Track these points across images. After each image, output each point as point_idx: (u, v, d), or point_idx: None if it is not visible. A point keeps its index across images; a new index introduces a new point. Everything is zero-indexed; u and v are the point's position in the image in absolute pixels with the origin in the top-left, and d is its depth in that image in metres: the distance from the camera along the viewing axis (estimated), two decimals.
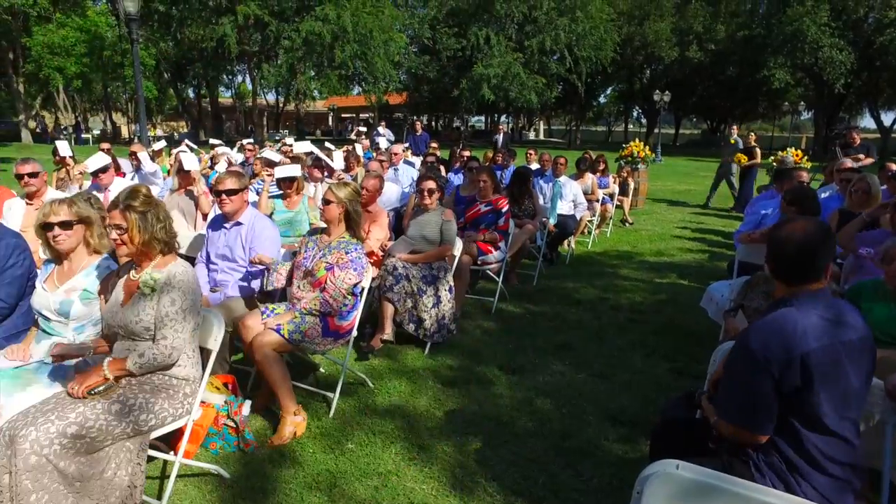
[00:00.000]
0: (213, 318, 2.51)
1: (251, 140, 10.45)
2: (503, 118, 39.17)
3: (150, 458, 2.27)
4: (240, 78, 42.19)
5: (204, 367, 2.45)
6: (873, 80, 30.73)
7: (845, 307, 1.73)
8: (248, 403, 2.91)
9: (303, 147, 7.08)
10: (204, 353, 2.48)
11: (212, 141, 9.84)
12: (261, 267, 3.33)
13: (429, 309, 4.04)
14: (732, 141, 11.12)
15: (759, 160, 10.66)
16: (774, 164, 9.70)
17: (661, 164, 21.51)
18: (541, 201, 6.54)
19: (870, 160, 7.90)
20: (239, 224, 3.51)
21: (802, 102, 38.03)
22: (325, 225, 3.33)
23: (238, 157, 7.89)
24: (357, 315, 3.33)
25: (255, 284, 3.48)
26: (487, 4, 31.12)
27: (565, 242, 7.11)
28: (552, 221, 6.45)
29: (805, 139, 33.89)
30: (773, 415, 1.64)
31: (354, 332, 3.34)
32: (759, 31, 29.81)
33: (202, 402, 2.68)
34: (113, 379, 2.13)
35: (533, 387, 3.60)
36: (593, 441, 2.98)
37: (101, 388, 2.07)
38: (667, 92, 26.25)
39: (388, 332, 3.89)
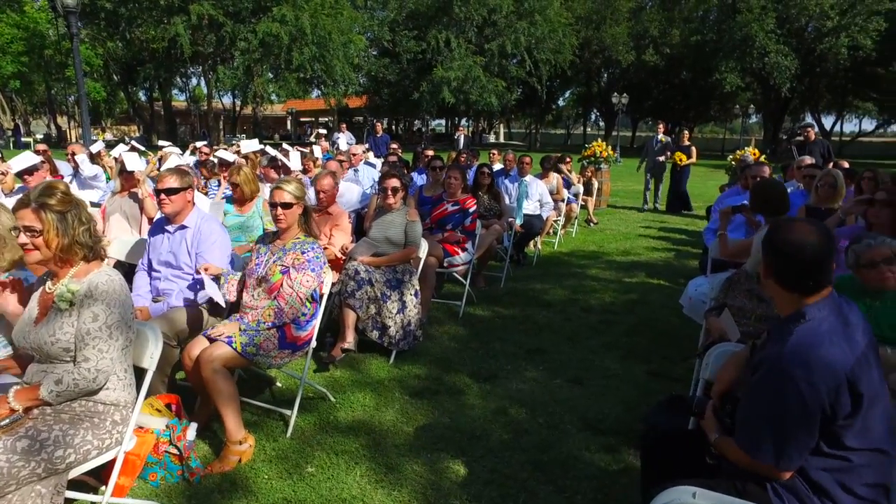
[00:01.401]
0: (149, 333, 2.20)
1: (205, 142, 9.97)
2: (464, 121, 39.15)
3: (71, 501, 1.95)
4: (194, 80, 40.88)
5: (139, 389, 2.15)
6: (814, 86, 32.18)
7: (851, 307, 1.59)
8: (193, 426, 2.59)
9: (250, 146, 6.75)
10: (140, 372, 2.18)
11: (160, 142, 9.34)
12: (208, 278, 3.01)
13: (393, 315, 3.79)
14: (663, 140, 11.19)
15: (695, 159, 10.84)
16: (733, 163, 9.86)
17: (620, 165, 21.79)
18: (506, 201, 6.38)
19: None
20: (184, 227, 3.19)
21: (752, 106, 39.46)
22: (275, 229, 3.05)
23: (190, 160, 7.45)
24: (316, 324, 3.06)
25: (203, 294, 3.16)
26: (447, 7, 31.05)
27: (531, 243, 6.98)
28: (518, 221, 6.30)
29: (754, 141, 35.19)
30: (807, 452, 1.47)
31: (314, 343, 3.07)
32: (711, 37, 30.80)
33: (139, 427, 2.37)
34: (21, 410, 1.80)
35: (506, 395, 3.40)
36: (574, 453, 2.79)
37: (4, 423, 1.74)
38: (624, 94, 26.73)
39: (350, 341, 3.62)
